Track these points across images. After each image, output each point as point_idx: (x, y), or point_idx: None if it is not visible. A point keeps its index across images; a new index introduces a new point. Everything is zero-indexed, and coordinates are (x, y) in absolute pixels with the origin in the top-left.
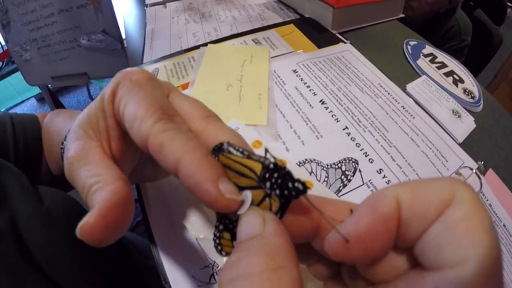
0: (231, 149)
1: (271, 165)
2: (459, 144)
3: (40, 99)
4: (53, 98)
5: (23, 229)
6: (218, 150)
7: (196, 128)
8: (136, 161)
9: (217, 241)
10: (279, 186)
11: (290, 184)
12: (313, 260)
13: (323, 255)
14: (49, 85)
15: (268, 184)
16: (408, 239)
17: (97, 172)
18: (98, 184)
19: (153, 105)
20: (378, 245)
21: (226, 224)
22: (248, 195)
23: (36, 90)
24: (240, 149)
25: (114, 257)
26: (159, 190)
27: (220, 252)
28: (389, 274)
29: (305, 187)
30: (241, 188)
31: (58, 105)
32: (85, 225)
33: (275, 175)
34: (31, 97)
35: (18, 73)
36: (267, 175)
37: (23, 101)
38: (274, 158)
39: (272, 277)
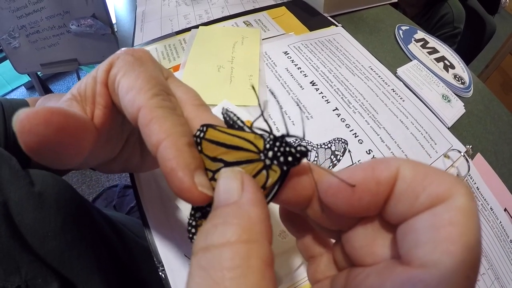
0: (230, 114)
1: (271, 136)
2: (448, 128)
3: (29, 87)
4: (43, 86)
5: (14, 212)
6: (207, 126)
7: (187, 114)
8: (120, 144)
9: (193, 230)
10: (283, 153)
11: (293, 149)
12: (304, 233)
13: (316, 224)
14: (39, 73)
15: (270, 153)
16: (393, 215)
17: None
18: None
19: (153, 80)
20: (363, 202)
21: (205, 212)
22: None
23: (26, 79)
24: (240, 119)
25: (108, 239)
26: (151, 174)
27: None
28: (368, 258)
29: (307, 148)
30: (229, 164)
31: (48, 92)
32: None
33: (277, 144)
34: (20, 85)
35: (7, 61)
36: (268, 146)
37: (12, 90)
38: (272, 132)
39: (242, 250)
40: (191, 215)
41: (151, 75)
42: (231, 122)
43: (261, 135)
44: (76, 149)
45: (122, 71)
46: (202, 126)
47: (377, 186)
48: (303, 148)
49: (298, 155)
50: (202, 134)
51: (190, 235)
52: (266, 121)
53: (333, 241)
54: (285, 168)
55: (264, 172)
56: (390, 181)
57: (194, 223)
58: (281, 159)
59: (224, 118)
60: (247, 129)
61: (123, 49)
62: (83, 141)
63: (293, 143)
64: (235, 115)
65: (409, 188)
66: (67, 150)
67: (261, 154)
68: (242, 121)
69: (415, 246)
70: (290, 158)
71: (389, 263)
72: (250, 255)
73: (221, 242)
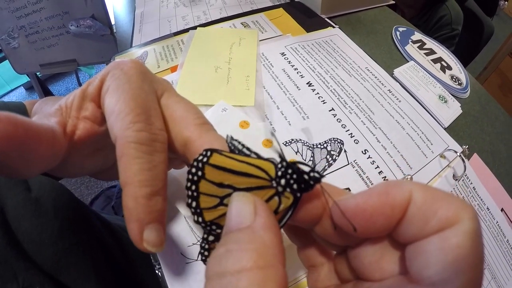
0: (235, 143)
1: (284, 163)
2: (445, 129)
3: (28, 87)
4: (42, 86)
5: (11, 218)
6: (212, 150)
7: (189, 135)
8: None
9: (206, 253)
10: (296, 181)
11: (306, 176)
12: (307, 244)
13: (323, 241)
14: (38, 73)
15: (283, 181)
16: (404, 236)
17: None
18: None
19: (134, 101)
20: (377, 225)
21: (217, 235)
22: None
23: (25, 79)
24: (246, 146)
25: (106, 243)
26: None
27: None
28: (377, 273)
29: (321, 174)
30: (238, 191)
31: (47, 93)
32: None
33: (289, 171)
34: (19, 86)
35: (6, 61)
36: (280, 173)
37: (11, 90)
38: (282, 154)
39: (258, 276)
40: (203, 238)
41: (133, 95)
42: (236, 152)
43: (271, 161)
44: (27, 161)
45: (109, 90)
46: (206, 150)
47: (391, 210)
48: (316, 175)
49: (311, 182)
50: (205, 159)
51: (203, 258)
52: (283, 158)
53: (335, 252)
54: (298, 195)
55: (276, 198)
56: (404, 205)
57: (207, 246)
58: (295, 186)
59: (229, 147)
60: (253, 156)
61: (114, 61)
62: (35, 152)
63: (305, 170)
64: (239, 142)
65: (419, 212)
66: (15, 161)
67: (273, 182)
68: (248, 148)
69: (425, 267)
70: (303, 185)
71: (398, 280)
72: (267, 281)
73: (236, 268)
